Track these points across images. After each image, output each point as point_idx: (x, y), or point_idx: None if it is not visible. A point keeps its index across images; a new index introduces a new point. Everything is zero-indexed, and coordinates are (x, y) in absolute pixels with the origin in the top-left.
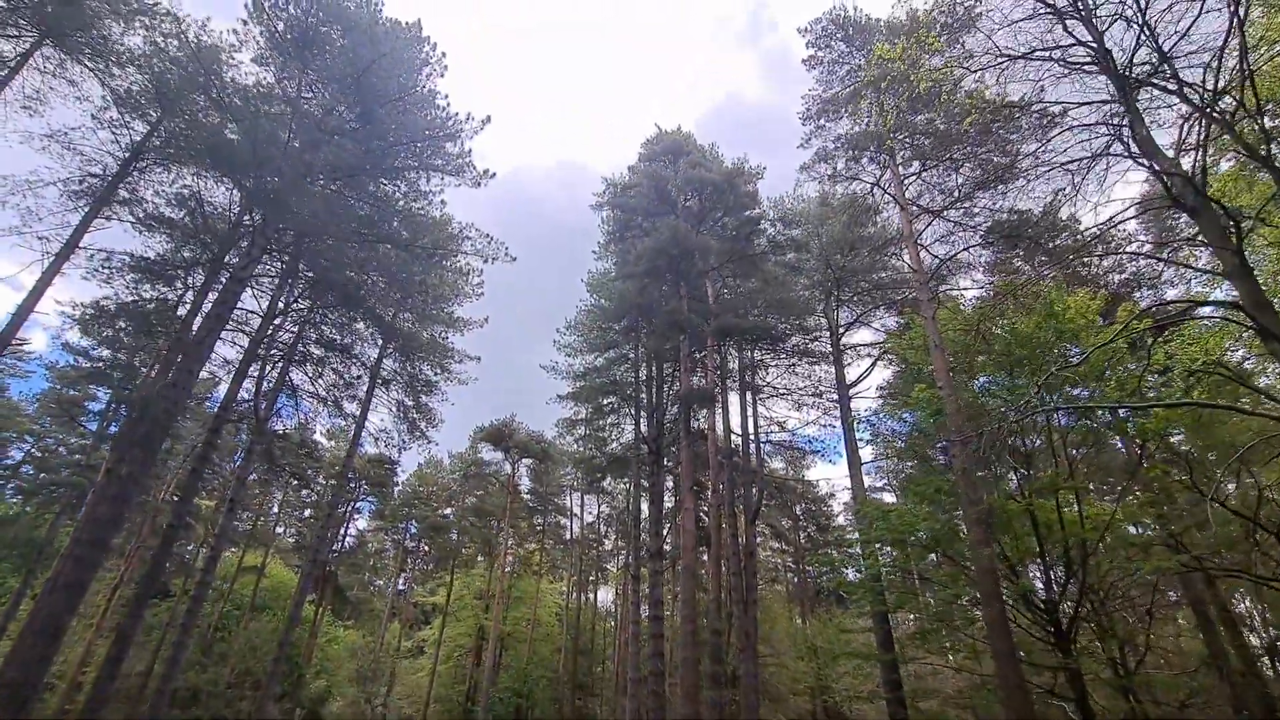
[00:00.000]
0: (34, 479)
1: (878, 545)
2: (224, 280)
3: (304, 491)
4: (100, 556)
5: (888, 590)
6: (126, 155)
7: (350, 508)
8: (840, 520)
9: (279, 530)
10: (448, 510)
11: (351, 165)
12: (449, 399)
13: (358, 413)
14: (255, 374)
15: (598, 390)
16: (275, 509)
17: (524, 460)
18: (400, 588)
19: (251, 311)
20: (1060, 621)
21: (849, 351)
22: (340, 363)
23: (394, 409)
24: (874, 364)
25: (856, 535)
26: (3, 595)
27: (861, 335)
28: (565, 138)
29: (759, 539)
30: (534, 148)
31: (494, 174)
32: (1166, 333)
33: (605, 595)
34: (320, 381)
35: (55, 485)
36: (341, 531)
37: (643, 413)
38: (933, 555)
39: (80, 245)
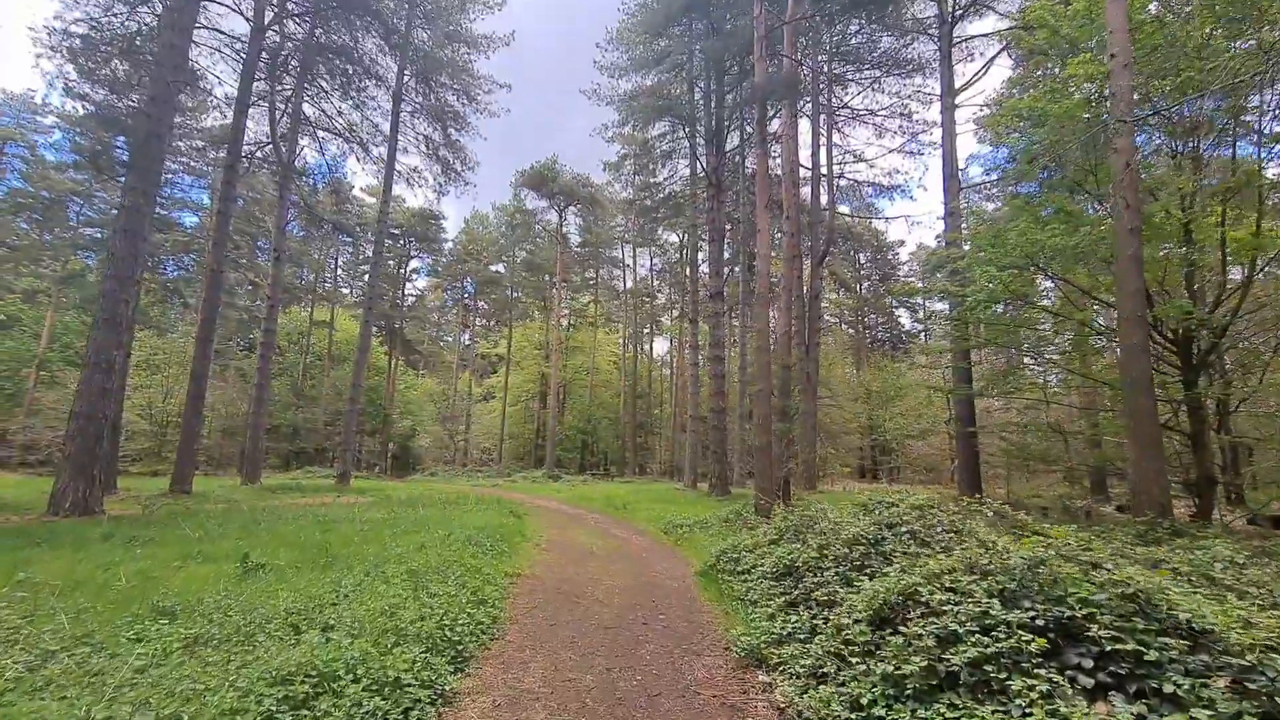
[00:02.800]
0: (91, 237)
1: (984, 273)
2: None
3: (360, 249)
4: (123, 291)
5: (985, 323)
6: None
7: (405, 264)
8: (904, 270)
9: (345, 291)
10: (499, 266)
11: None
12: (480, 135)
13: (386, 154)
14: (266, 105)
15: (649, 112)
16: (338, 269)
17: (571, 208)
18: (466, 342)
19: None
20: (1192, 354)
21: (960, 46)
22: (356, 91)
23: (422, 146)
24: (996, 56)
25: (931, 278)
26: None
27: (981, 25)
28: None
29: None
30: None
31: None
32: None
33: (660, 346)
34: (340, 119)
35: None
36: (401, 290)
37: (700, 138)
38: (1047, 282)
39: None
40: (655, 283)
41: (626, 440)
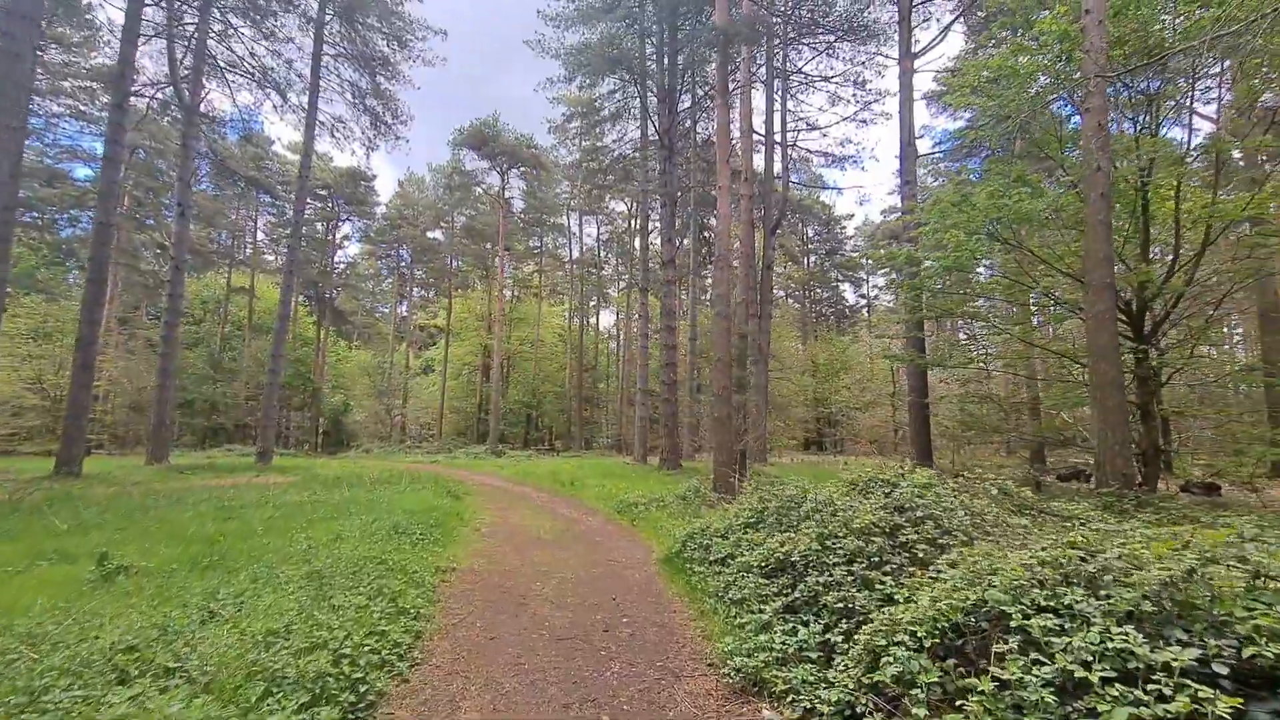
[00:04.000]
0: None
1: (952, 236)
2: None
3: (284, 211)
4: None
5: (939, 293)
6: None
7: (334, 228)
8: (851, 245)
9: (268, 257)
10: (437, 232)
11: None
12: (413, 85)
13: (306, 104)
14: (165, 41)
15: (599, 64)
16: (257, 231)
17: (514, 171)
18: (403, 313)
19: None
20: (1144, 325)
21: (920, 9)
22: (269, 29)
23: (348, 94)
24: (954, 21)
25: (888, 247)
26: None
27: None
28: None
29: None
30: None
31: None
32: None
33: (607, 318)
34: (253, 61)
35: None
36: (330, 256)
37: (652, 95)
38: (1006, 252)
39: None
40: (602, 253)
41: (573, 414)
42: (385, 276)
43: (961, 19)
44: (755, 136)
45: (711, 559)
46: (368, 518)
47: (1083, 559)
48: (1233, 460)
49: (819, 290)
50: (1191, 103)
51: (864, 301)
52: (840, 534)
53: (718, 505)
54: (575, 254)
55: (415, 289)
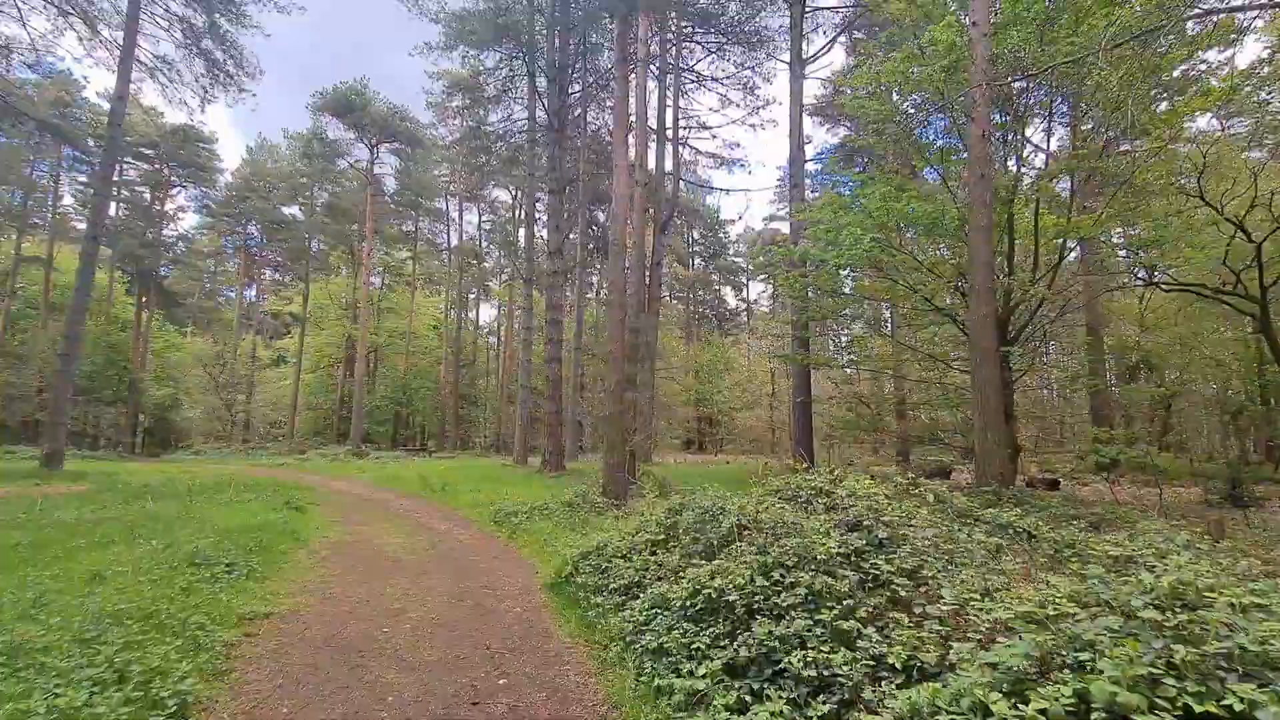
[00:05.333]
0: None
1: (850, 234)
2: None
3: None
4: None
5: (825, 295)
6: None
7: (163, 195)
8: (733, 250)
9: (79, 227)
10: (294, 208)
11: None
12: (264, 32)
13: (122, 39)
14: None
15: (486, 30)
16: (59, 191)
17: (386, 146)
18: (252, 297)
19: None
20: (1008, 329)
21: (810, 17)
22: None
23: (179, 32)
24: (843, 31)
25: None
26: None
27: None
28: None
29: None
30: None
31: None
32: None
33: (487, 313)
34: None
35: None
36: (158, 226)
37: (541, 74)
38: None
39: None
40: (484, 243)
41: (448, 412)
42: (230, 255)
43: (845, 34)
44: (648, 128)
45: (612, 586)
46: (162, 542)
47: (1185, 608)
48: (1064, 459)
49: (701, 293)
50: (1050, 126)
51: (744, 306)
52: (789, 562)
53: (609, 513)
54: (454, 242)
55: (267, 271)
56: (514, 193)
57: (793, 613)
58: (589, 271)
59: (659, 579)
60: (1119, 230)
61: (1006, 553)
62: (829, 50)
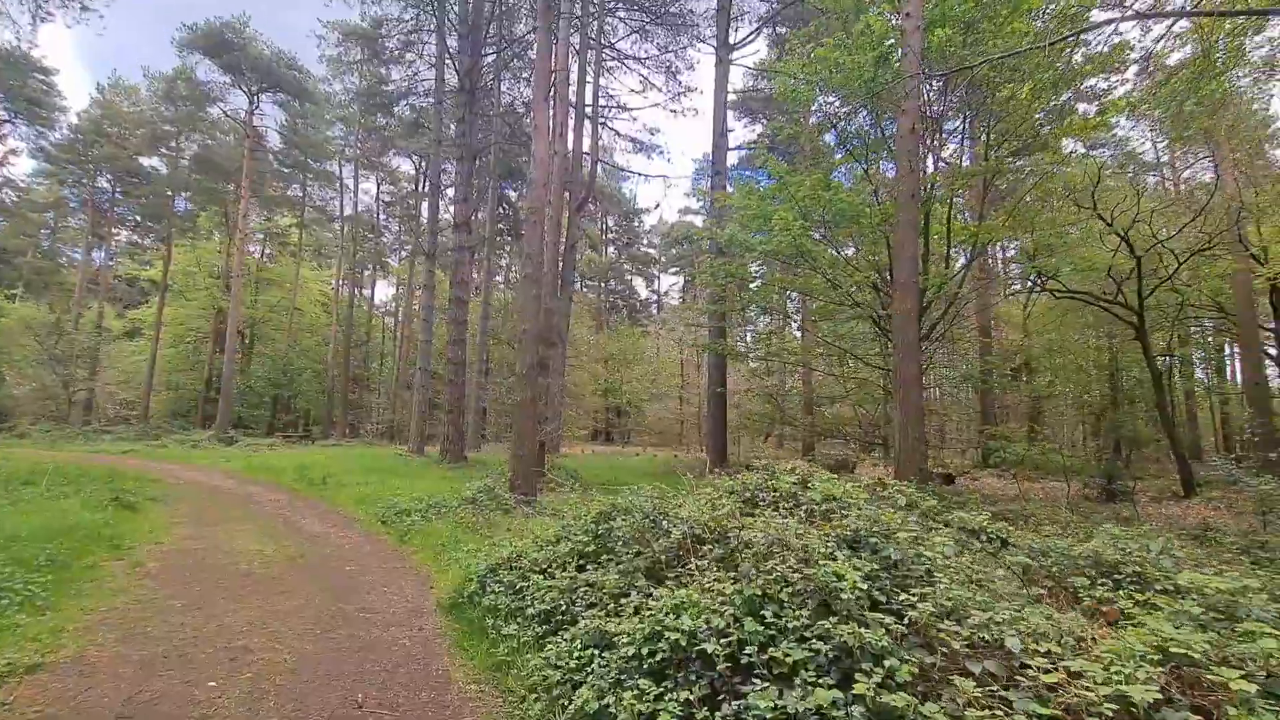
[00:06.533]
0: None
1: (780, 220)
2: None
3: None
4: None
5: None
6: None
7: None
8: (646, 242)
9: None
10: (155, 159)
11: None
12: None
13: None
14: None
15: None
16: None
17: (269, 96)
18: (101, 259)
19: None
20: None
21: (739, 2)
22: None
23: None
24: (770, 21)
25: (709, 230)
26: None
27: None
28: None
29: (580, 233)
30: None
31: None
32: None
33: (384, 291)
34: None
35: None
36: None
37: (452, 29)
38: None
39: None
40: (382, 216)
41: (336, 397)
42: (74, 209)
43: (770, 26)
44: (568, 101)
45: (530, 612)
46: None
47: None
48: (949, 454)
49: (613, 282)
50: (965, 131)
51: (655, 298)
52: (780, 596)
53: (518, 511)
54: (348, 211)
55: (123, 231)
56: (417, 162)
57: (805, 674)
58: (498, 253)
59: (592, 604)
60: (1013, 239)
61: (1009, 576)
62: (755, 38)
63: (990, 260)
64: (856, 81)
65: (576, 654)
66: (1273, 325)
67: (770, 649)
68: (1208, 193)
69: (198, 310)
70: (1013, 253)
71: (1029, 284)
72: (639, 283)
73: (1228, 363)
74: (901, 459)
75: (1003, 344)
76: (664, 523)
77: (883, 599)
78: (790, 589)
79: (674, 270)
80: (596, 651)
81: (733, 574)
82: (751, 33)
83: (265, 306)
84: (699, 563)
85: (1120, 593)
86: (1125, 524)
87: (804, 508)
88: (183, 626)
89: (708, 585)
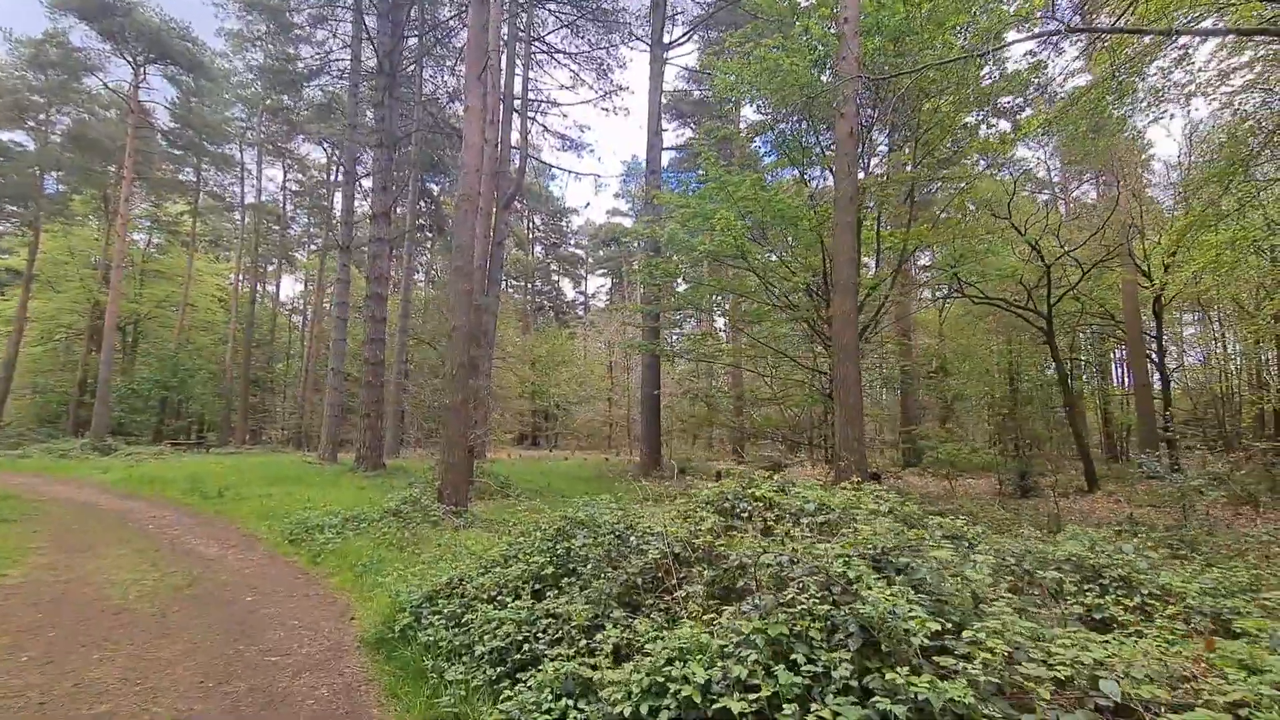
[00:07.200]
0: None
1: (722, 220)
2: None
3: None
4: None
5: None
6: None
7: None
8: (574, 242)
9: None
10: (19, 133)
11: None
12: None
13: None
14: None
15: None
16: None
17: (157, 68)
18: None
19: None
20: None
21: (674, 1)
22: None
23: None
24: (704, 22)
25: (647, 227)
26: None
27: None
28: None
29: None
30: None
31: None
32: None
33: (291, 287)
34: None
35: None
36: None
37: (371, 8)
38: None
39: None
40: (289, 207)
41: (235, 400)
42: None
43: (703, 28)
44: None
45: (480, 651)
46: None
47: None
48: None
49: (539, 283)
50: (892, 139)
51: (582, 299)
52: (810, 633)
53: (447, 524)
54: (250, 199)
55: None
56: (329, 150)
57: None
58: (418, 249)
59: (558, 640)
60: (929, 247)
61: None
62: (688, 39)
63: (908, 268)
64: (793, 84)
65: (547, 706)
66: (1154, 332)
67: (814, 706)
68: (1105, 210)
69: (70, 304)
70: (925, 261)
71: (946, 291)
72: (566, 284)
73: (1112, 367)
74: (841, 459)
75: (918, 348)
76: (633, 539)
77: (927, 633)
78: (818, 624)
79: (601, 272)
80: (571, 703)
81: (730, 603)
82: (686, 32)
83: (152, 301)
84: (689, 588)
85: (1108, 598)
86: (1053, 519)
87: (800, 520)
88: (26, 690)
89: (707, 618)
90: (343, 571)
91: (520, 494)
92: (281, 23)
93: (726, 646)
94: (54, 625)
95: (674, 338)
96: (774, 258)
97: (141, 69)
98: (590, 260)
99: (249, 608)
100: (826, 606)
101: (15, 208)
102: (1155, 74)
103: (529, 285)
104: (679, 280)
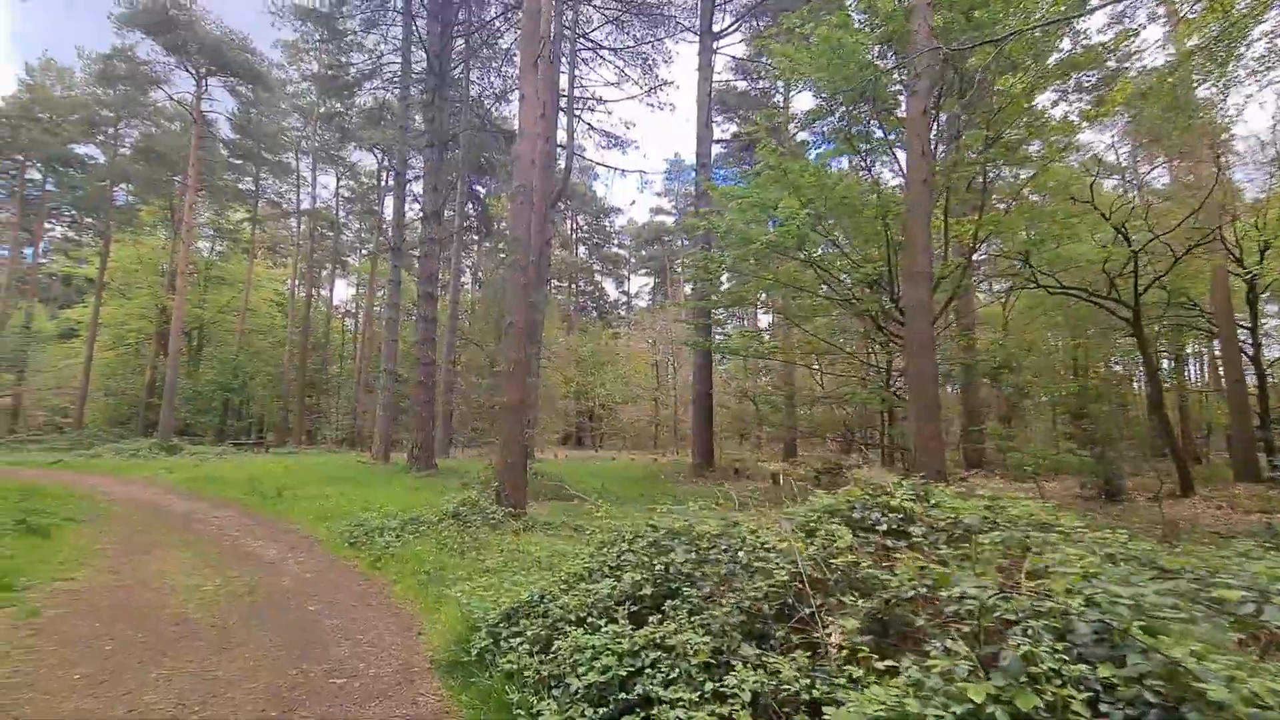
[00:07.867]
0: None
1: (786, 207)
2: None
3: None
4: None
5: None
6: None
7: None
8: (616, 243)
9: None
10: (90, 146)
11: None
12: None
13: None
14: None
15: None
16: None
17: (218, 81)
18: (32, 256)
19: None
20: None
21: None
22: None
23: None
24: (753, 10)
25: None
26: None
27: None
28: None
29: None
30: None
31: None
32: None
33: (344, 291)
34: None
35: None
36: None
37: (422, 10)
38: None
39: None
40: (342, 213)
41: (292, 402)
42: (1, 201)
43: (750, 19)
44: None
45: (577, 685)
46: None
47: None
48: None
49: (583, 283)
50: (962, 120)
51: (625, 299)
52: (1077, 712)
53: (507, 527)
54: (306, 206)
55: (58, 226)
56: (379, 157)
57: None
58: (465, 252)
59: (672, 681)
60: (996, 236)
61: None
62: (737, 28)
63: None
64: (854, 64)
65: None
66: (1248, 323)
67: None
68: (1194, 192)
69: (140, 310)
70: (993, 250)
71: (1011, 283)
72: (609, 284)
73: (1190, 362)
74: (918, 460)
75: (982, 342)
76: (741, 554)
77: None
78: (1080, 692)
79: (644, 271)
80: None
81: (892, 643)
82: (735, 21)
83: (215, 306)
84: (840, 621)
85: None
86: (1169, 529)
87: (969, 537)
88: (76, 714)
89: (879, 665)
90: (404, 578)
91: (574, 496)
92: (334, 29)
93: (938, 710)
94: (112, 635)
95: (718, 336)
96: (833, 249)
97: (203, 81)
98: (633, 260)
99: (311, 618)
100: (1082, 667)
101: (89, 219)
102: (1260, 37)
103: (572, 285)
104: (724, 277)
